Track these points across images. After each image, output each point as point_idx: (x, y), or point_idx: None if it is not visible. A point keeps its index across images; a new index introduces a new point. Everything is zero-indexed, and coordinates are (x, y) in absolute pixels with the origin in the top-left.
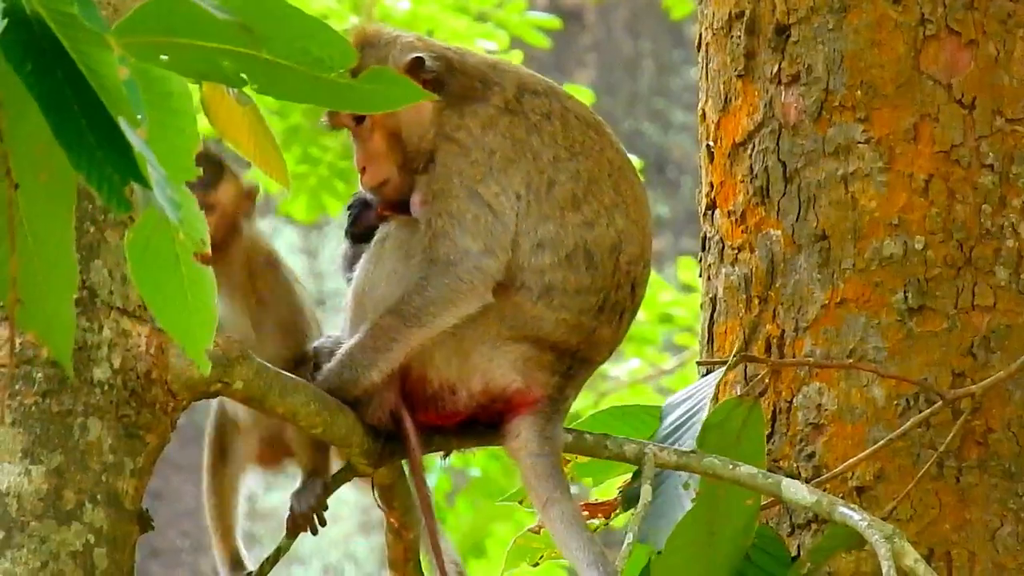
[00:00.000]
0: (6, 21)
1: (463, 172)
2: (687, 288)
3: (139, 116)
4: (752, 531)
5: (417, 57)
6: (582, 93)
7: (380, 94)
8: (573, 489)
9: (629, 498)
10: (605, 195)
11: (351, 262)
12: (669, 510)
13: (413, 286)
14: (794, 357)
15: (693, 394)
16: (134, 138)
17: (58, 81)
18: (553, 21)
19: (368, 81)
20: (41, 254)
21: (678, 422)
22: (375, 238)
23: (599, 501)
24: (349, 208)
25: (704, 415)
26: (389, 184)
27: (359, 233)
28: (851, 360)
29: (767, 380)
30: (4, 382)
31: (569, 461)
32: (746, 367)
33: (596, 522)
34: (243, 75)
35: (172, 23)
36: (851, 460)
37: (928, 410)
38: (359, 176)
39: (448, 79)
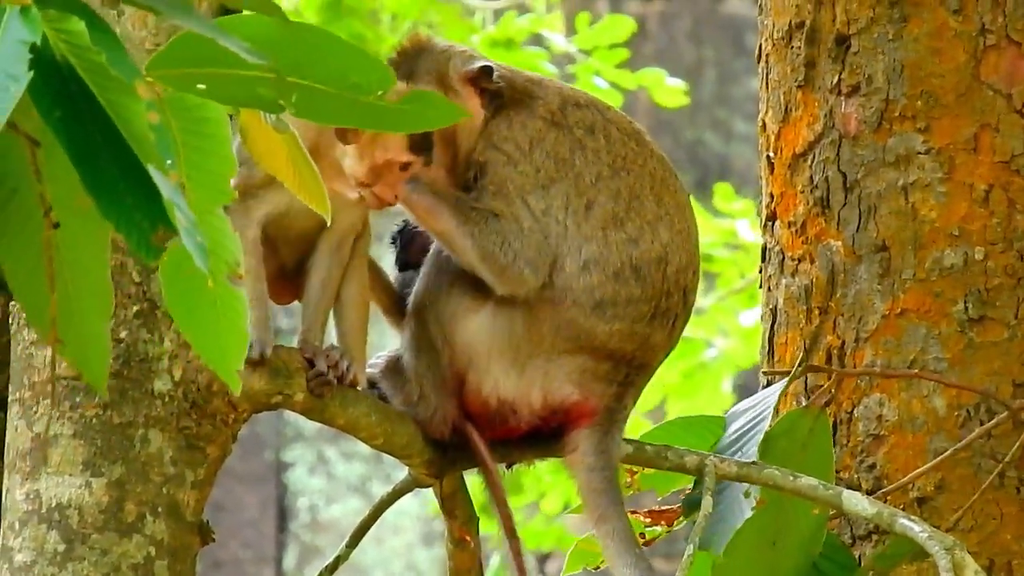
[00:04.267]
0: (32, 70)
1: (514, 180)
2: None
3: (168, 162)
4: (820, 540)
5: (485, 66)
6: (675, 92)
7: (419, 115)
8: (644, 495)
9: (690, 505)
10: (647, 210)
11: (401, 289)
12: (729, 516)
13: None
14: (855, 367)
15: (757, 403)
16: (164, 185)
17: (88, 128)
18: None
19: (408, 102)
20: (76, 279)
21: (741, 431)
22: (432, 250)
23: (662, 509)
24: (399, 236)
25: (767, 424)
26: (434, 185)
27: (409, 259)
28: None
29: (832, 390)
30: (52, 400)
31: (636, 472)
32: (807, 377)
33: (659, 529)
34: (280, 101)
35: (208, 53)
36: (915, 472)
37: (992, 421)
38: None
39: (503, 92)
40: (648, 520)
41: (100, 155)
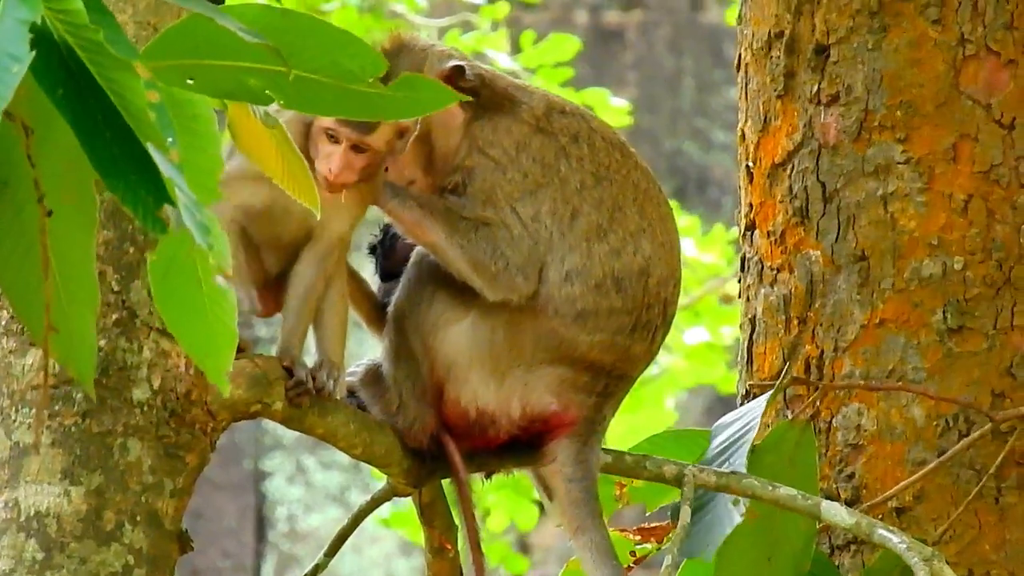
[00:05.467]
0: (34, 50)
1: (503, 188)
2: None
3: (169, 140)
4: (810, 554)
5: (458, 65)
6: (619, 112)
7: (412, 101)
8: (632, 511)
9: (678, 513)
10: (630, 221)
11: (383, 298)
12: (718, 524)
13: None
14: (833, 378)
15: (742, 415)
16: (163, 163)
17: (90, 106)
18: None
19: (399, 88)
20: (63, 275)
21: (727, 442)
22: (411, 260)
23: (652, 525)
24: (379, 245)
25: (752, 435)
26: (413, 187)
27: (391, 269)
28: (890, 380)
29: (818, 402)
30: (41, 402)
31: (624, 485)
32: (785, 389)
33: (649, 546)
34: (269, 92)
35: (198, 44)
36: (899, 485)
37: (975, 434)
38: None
39: (480, 91)
40: (638, 537)
41: (103, 133)
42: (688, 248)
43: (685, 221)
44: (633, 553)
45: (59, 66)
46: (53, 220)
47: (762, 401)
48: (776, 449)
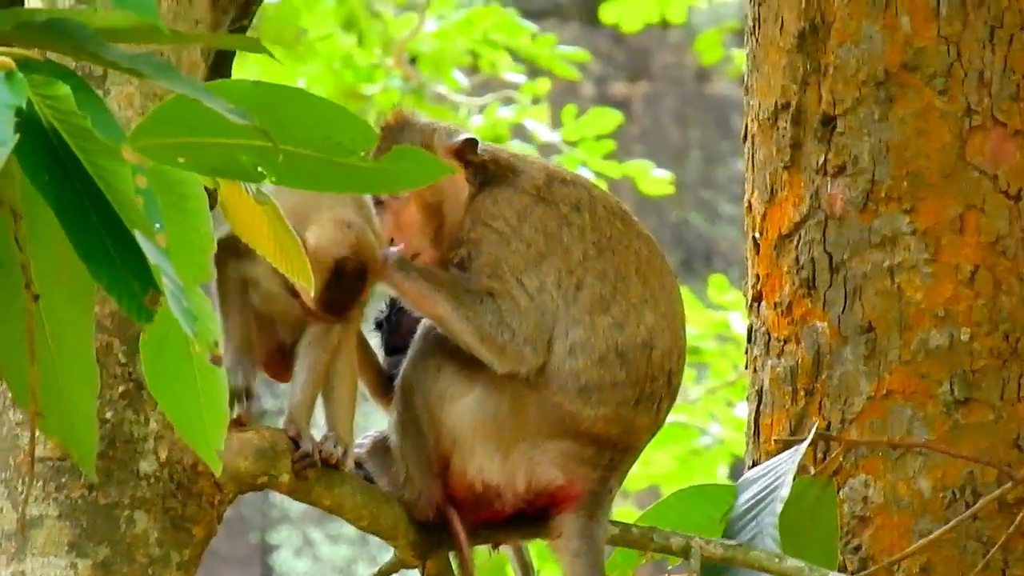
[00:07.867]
0: (19, 135)
1: (508, 260)
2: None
3: (156, 226)
4: None
5: (471, 138)
6: (661, 183)
7: (404, 173)
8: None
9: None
10: (632, 292)
11: (390, 371)
12: None
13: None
14: (843, 455)
15: (768, 471)
16: (150, 249)
17: (76, 192)
18: (583, 54)
19: (392, 160)
20: (62, 357)
21: (755, 499)
22: (418, 334)
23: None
24: (386, 321)
25: (784, 492)
26: (420, 259)
27: (396, 344)
28: (899, 453)
29: (840, 459)
30: (29, 476)
31: None
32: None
33: None
34: (260, 168)
35: (188, 123)
36: (901, 553)
37: (993, 494)
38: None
39: (488, 166)
40: None
41: (88, 219)
42: (736, 323)
43: (732, 296)
44: None
45: (45, 151)
46: (48, 303)
47: (789, 456)
48: (797, 504)
